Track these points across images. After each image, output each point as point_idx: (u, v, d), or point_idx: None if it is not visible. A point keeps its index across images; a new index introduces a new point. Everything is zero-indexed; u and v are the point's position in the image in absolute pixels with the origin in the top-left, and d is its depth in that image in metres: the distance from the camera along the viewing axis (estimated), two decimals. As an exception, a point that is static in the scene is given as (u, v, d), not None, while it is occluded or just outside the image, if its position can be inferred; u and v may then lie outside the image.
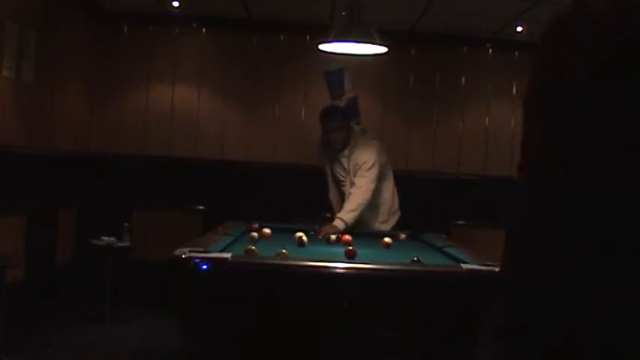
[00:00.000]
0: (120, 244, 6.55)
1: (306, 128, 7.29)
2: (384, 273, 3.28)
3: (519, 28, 6.88)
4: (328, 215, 5.76)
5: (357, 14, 5.10)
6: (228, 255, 3.28)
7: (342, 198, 5.69)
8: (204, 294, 3.11)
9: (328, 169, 5.89)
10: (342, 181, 5.73)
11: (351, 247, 3.93)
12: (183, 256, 3.15)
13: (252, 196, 7.23)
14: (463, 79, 7.56)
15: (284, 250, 3.67)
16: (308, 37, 7.21)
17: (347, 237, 4.67)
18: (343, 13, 5.54)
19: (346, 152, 5.62)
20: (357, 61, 6.45)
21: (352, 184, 5.49)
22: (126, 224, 6.67)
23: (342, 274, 3.23)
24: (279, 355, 3.16)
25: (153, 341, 5.89)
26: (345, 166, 5.64)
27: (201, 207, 7.31)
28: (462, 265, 3.44)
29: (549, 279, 0.88)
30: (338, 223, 5.13)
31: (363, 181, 5.43)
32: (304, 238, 4.40)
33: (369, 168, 5.46)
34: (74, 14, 6.68)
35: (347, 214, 5.25)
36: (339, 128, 5.58)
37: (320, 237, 4.90)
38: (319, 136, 5.94)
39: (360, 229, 5.32)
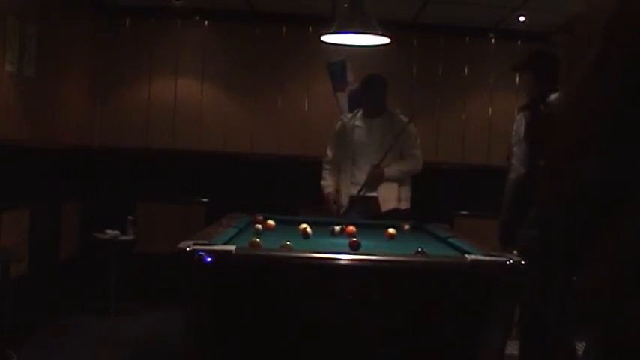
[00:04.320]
0: (124, 238, 6.56)
1: (309, 120, 7.28)
2: (389, 264, 3.27)
3: (522, 18, 6.86)
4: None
5: (359, 5, 5.10)
6: (232, 247, 3.28)
7: (351, 170, 5.71)
8: (208, 286, 3.11)
9: (344, 142, 5.83)
10: (362, 150, 5.72)
11: (355, 239, 3.92)
12: (188, 248, 3.15)
13: (255, 188, 7.24)
14: (466, 70, 7.54)
15: (288, 242, 3.67)
16: (310, 28, 7.20)
17: (351, 228, 4.67)
18: (345, 5, 5.53)
19: (376, 121, 5.74)
20: (360, 52, 6.44)
21: (400, 154, 5.70)
22: (130, 217, 6.68)
23: (346, 265, 3.23)
24: (283, 348, 3.16)
25: (157, 333, 5.90)
26: (373, 132, 5.73)
27: (205, 199, 7.31)
28: (467, 255, 3.43)
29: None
30: (386, 172, 5.56)
31: (419, 153, 5.79)
32: (308, 229, 4.39)
33: (419, 145, 5.82)
34: (76, 8, 6.67)
35: (394, 171, 5.61)
36: (380, 90, 5.80)
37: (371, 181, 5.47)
38: (337, 120, 6.04)
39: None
